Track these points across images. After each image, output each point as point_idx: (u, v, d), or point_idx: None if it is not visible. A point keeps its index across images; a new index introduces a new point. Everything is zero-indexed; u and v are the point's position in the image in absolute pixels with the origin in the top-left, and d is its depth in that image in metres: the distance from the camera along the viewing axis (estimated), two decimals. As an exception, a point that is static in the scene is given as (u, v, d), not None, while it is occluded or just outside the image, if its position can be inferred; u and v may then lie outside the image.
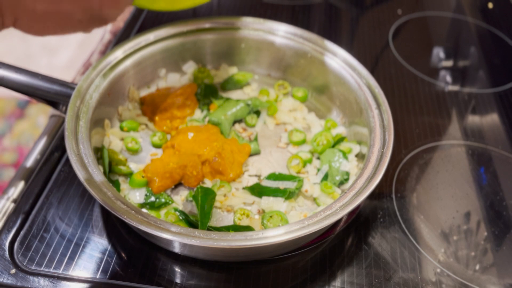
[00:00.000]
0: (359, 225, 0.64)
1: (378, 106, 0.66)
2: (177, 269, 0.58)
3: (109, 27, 0.97)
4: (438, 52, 0.95)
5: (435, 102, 0.83)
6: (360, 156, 0.67)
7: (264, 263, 0.59)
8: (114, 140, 0.69)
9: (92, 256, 0.58)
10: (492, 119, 0.81)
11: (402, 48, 0.95)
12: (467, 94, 0.85)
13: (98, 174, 0.56)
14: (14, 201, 0.64)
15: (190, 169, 0.65)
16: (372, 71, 0.87)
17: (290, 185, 0.64)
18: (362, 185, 0.57)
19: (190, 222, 0.60)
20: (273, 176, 0.66)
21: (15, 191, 0.65)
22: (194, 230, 0.51)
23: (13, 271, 0.56)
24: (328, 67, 0.74)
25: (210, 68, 0.81)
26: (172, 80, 0.79)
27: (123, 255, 0.59)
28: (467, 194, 0.69)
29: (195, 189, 0.64)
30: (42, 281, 0.55)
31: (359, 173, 0.59)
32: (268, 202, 0.63)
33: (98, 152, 0.65)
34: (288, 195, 0.63)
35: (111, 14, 0.51)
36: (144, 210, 0.60)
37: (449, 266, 0.60)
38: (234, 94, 0.79)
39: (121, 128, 0.71)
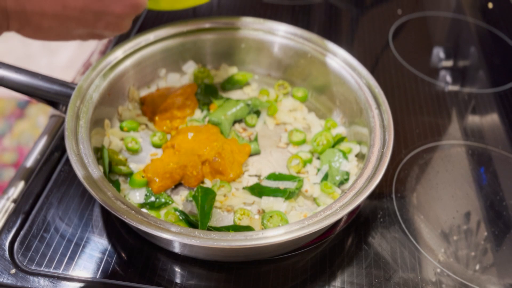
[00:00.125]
0: (359, 225, 0.64)
1: (378, 106, 0.66)
2: (177, 269, 0.58)
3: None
4: (438, 52, 0.95)
5: (435, 102, 0.83)
6: (360, 156, 0.67)
7: (264, 263, 0.59)
8: (114, 140, 0.69)
9: (92, 256, 0.58)
10: (492, 119, 0.81)
11: (402, 48, 0.95)
12: (467, 94, 0.85)
13: (98, 174, 0.56)
14: (14, 201, 0.64)
15: (190, 169, 0.65)
16: (372, 71, 0.87)
17: (290, 185, 0.64)
18: (362, 185, 0.57)
19: (190, 222, 0.60)
20: (273, 176, 0.66)
21: (15, 191, 0.65)
22: (194, 230, 0.51)
23: (13, 271, 0.56)
24: (328, 67, 0.74)
25: (210, 68, 0.81)
26: (172, 80, 0.79)
27: (123, 255, 0.59)
28: (467, 194, 0.69)
29: (195, 189, 0.64)
30: (42, 281, 0.55)
31: (359, 173, 0.59)
32: (268, 202, 0.63)
33: (98, 152, 0.65)
34: (288, 195, 0.63)
35: (111, 34, 0.54)
36: (144, 210, 0.60)
37: (449, 266, 0.60)
38: (234, 94, 0.79)
39: (121, 128, 0.71)
